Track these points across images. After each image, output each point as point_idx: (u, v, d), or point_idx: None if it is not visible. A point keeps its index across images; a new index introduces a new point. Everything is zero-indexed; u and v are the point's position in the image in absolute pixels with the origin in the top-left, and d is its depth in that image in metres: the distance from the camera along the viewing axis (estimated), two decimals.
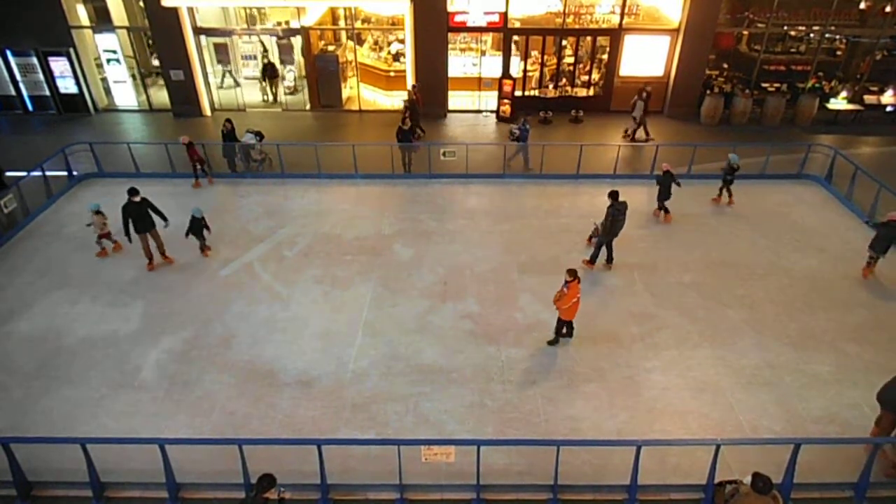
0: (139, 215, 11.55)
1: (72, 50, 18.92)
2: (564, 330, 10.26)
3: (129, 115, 20.04)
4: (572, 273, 9.65)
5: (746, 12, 19.34)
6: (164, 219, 11.95)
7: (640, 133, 18.00)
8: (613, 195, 11.66)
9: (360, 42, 21.24)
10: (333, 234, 13.44)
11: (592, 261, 12.18)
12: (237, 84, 21.31)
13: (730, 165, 14.10)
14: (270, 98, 20.98)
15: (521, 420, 8.92)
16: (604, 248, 12.18)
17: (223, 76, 21.21)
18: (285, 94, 20.96)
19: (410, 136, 15.67)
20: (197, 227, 12.17)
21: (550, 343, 10.27)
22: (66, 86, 19.49)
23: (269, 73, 20.51)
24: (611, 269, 12.17)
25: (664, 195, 13.58)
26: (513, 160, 16.14)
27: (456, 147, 16.25)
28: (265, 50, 21.14)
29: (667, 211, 13.84)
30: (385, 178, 15.81)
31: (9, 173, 14.62)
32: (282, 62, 21.46)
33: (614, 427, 8.80)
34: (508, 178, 15.68)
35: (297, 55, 20.47)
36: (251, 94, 21.02)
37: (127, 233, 11.56)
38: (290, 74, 21.03)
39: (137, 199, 11.46)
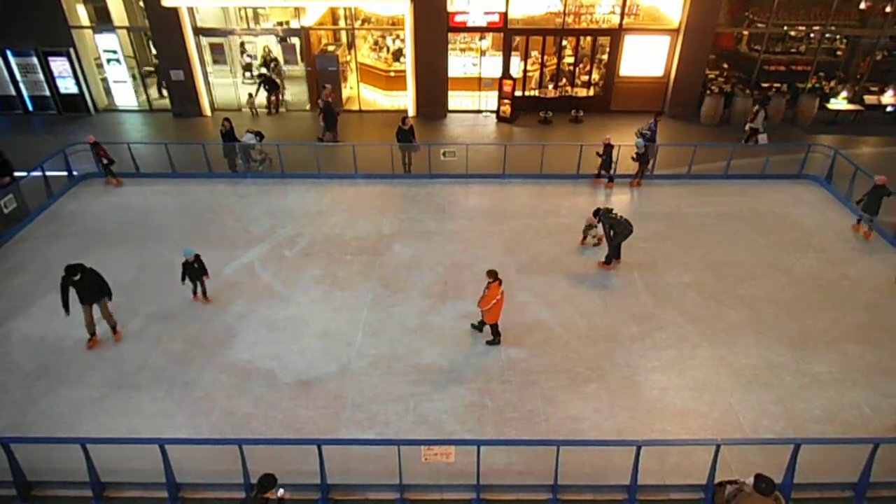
0: (82, 288, 9.89)
1: (72, 50, 18.92)
2: (499, 333, 10.27)
3: (129, 115, 20.04)
4: (492, 274, 9.67)
5: (746, 12, 19.35)
6: (109, 293, 10.14)
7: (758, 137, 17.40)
8: (595, 213, 12.01)
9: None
10: (333, 234, 13.44)
11: (608, 262, 12.22)
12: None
13: (636, 151, 14.81)
14: (265, 109, 20.13)
15: (521, 420, 8.92)
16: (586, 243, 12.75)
17: (259, 85, 20.03)
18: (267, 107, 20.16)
19: (410, 136, 15.68)
20: (190, 271, 10.84)
21: (490, 343, 10.28)
22: (66, 86, 19.49)
23: (269, 86, 19.85)
24: (611, 269, 12.18)
25: (607, 166, 14.91)
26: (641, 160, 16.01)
27: (456, 147, 16.25)
28: (266, 60, 20.66)
29: (611, 179, 15.18)
30: (385, 178, 15.80)
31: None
32: (286, 62, 21.41)
33: (614, 427, 8.80)
34: (508, 178, 15.67)
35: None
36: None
37: (65, 306, 9.81)
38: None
39: (77, 277, 9.66)
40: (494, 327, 10.18)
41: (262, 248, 12.92)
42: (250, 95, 20.08)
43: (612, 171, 15.15)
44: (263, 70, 20.62)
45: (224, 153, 15.75)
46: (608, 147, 14.75)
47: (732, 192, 15.05)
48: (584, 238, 12.92)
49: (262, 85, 19.85)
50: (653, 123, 15.90)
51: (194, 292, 11.20)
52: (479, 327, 10.51)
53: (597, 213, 11.99)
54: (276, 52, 21.47)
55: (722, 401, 9.23)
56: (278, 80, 20.40)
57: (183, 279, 10.91)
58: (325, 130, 17.44)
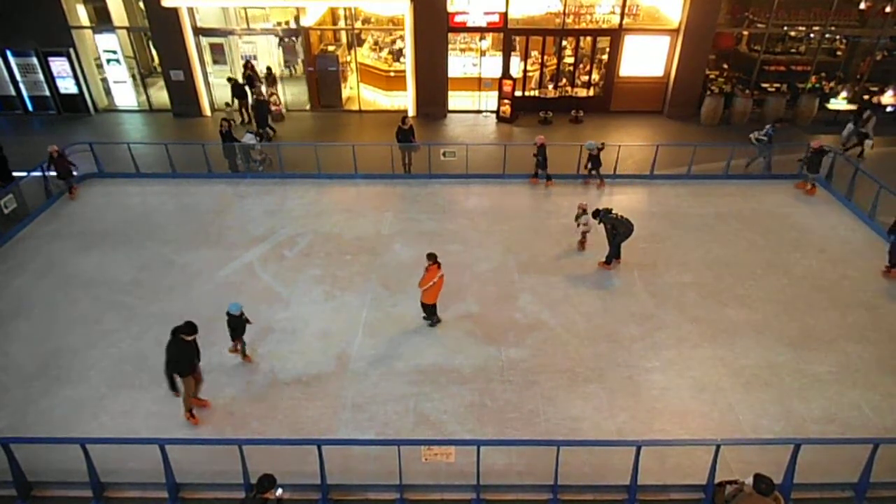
0: (184, 356, 8.60)
1: (72, 50, 18.91)
2: (434, 315, 10.62)
3: (129, 116, 20.03)
4: (431, 257, 10.08)
5: (746, 12, 19.34)
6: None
7: (856, 149, 17.24)
8: (595, 213, 11.94)
9: (360, 42, 21.23)
10: (333, 234, 13.44)
11: (608, 261, 12.22)
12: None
13: (589, 152, 14.91)
14: (238, 120, 18.94)
15: (521, 420, 8.92)
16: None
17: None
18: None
19: (410, 136, 15.68)
20: (238, 325, 9.66)
21: (431, 325, 10.65)
22: (66, 86, 19.47)
23: (237, 93, 19.02)
24: (611, 269, 12.18)
25: (543, 165, 15.10)
26: (755, 163, 15.95)
27: (456, 147, 16.25)
28: (245, 71, 19.72)
29: (548, 178, 15.36)
30: (385, 178, 15.81)
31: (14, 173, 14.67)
32: (286, 62, 21.26)
33: (614, 427, 8.80)
34: (508, 178, 15.67)
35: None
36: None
37: (172, 383, 8.57)
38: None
39: (191, 338, 8.52)
40: (431, 308, 10.48)
41: (262, 249, 12.91)
42: (227, 105, 19.56)
43: (546, 170, 15.22)
44: (236, 76, 19.78)
45: (224, 153, 15.76)
46: (542, 147, 14.83)
47: (732, 192, 15.05)
48: (583, 240, 12.87)
49: (233, 90, 19.15)
50: (770, 128, 15.85)
51: (240, 350, 9.97)
52: (431, 321, 10.69)
53: (597, 213, 11.97)
54: (267, 62, 21.25)
55: (722, 401, 9.23)
56: (253, 90, 19.46)
57: (233, 336, 9.69)
58: (258, 128, 17.36)
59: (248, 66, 19.58)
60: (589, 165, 15.11)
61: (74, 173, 14.76)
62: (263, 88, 20.04)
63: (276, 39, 21.56)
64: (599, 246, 12.43)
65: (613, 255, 12.13)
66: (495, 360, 10.00)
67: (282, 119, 19.69)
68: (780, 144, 16.78)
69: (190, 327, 8.47)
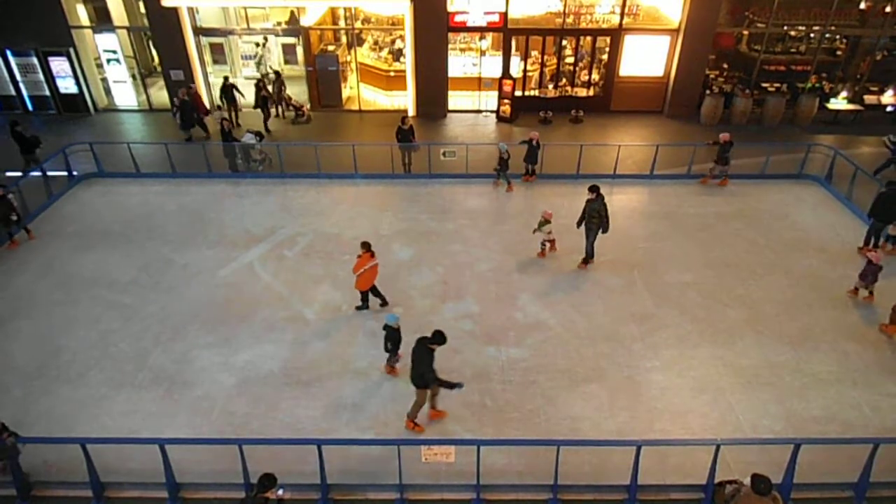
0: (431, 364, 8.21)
1: (72, 50, 18.91)
2: (366, 301, 10.99)
3: (129, 115, 20.03)
4: (365, 245, 10.48)
5: (746, 12, 19.34)
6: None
7: None
8: (595, 189, 11.67)
9: (360, 42, 21.22)
10: (333, 233, 13.44)
11: (589, 258, 12.23)
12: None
13: (500, 155, 14.96)
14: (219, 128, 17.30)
15: (521, 420, 8.92)
16: (547, 241, 12.76)
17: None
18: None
19: (410, 136, 15.68)
20: (397, 339, 9.35)
21: (358, 308, 11.04)
22: (66, 86, 19.46)
23: (228, 96, 18.61)
24: (604, 267, 12.18)
25: (532, 160, 15.36)
26: (886, 171, 15.58)
27: (456, 147, 16.25)
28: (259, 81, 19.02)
29: (533, 172, 15.66)
30: (385, 178, 15.81)
31: (8, 173, 14.67)
32: (286, 62, 21.15)
33: (614, 427, 8.80)
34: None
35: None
36: (250, 94, 20.85)
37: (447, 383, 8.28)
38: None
39: (438, 349, 8.24)
40: (364, 294, 10.89)
41: (262, 248, 12.91)
42: (218, 108, 19.36)
43: (534, 165, 15.45)
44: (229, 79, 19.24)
45: (224, 153, 15.76)
46: (538, 143, 15.09)
47: (732, 192, 15.06)
48: (549, 248, 12.68)
49: (223, 93, 18.72)
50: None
51: (394, 364, 9.67)
52: (363, 306, 11.06)
53: (596, 190, 11.68)
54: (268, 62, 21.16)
55: (722, 401, 9.23)
56: (240, 97, 19.13)
57: (387, 347, 9.37)
58: (181, 129, 17.14)
59: (261, 86, 18.84)
60: (499, 167, 15.07)
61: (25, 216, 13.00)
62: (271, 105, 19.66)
63: (275, 39, 21.56)
64: (599, 250, 12.44)
65: (589, 255, 12.15)
66: (495, 360, 10.00)
67: (308, 121, 19.50)
68: (779, 144, 16.81)
69: (442, 337, 8.25)
